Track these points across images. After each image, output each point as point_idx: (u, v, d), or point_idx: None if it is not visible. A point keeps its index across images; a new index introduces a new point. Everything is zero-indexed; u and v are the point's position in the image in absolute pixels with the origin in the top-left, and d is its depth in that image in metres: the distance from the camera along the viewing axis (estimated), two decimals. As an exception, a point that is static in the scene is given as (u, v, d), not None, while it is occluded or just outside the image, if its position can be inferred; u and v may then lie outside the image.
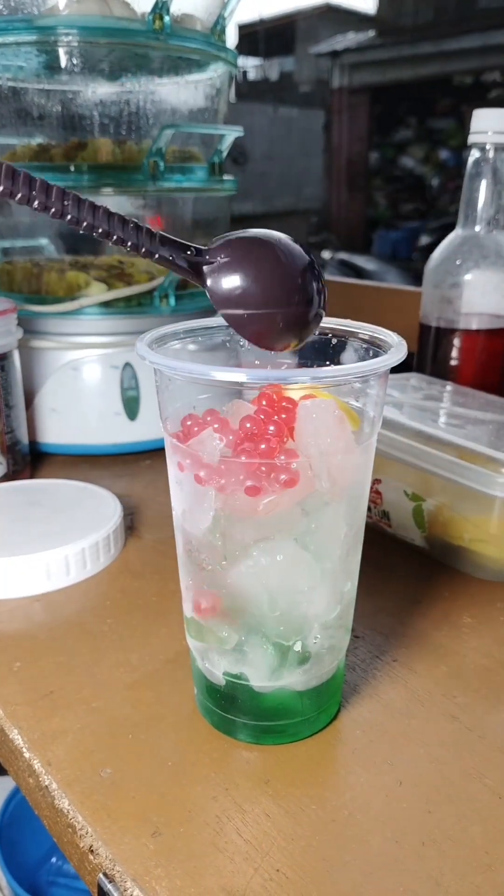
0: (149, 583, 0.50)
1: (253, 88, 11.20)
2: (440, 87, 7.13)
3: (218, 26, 0.70)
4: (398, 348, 0.31)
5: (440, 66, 6.99)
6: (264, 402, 0.31)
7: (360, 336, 0.35)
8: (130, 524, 0.58)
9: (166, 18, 0.62)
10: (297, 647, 0.33)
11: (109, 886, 0.30)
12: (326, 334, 0.36)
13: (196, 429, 0.31)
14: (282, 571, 0.31)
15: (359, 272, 3.58)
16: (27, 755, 0.36)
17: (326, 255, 3.92)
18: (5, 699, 0.39)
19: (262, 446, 0.29)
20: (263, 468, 0.29)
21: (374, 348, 0.35)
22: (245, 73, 11.39)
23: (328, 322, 0.36)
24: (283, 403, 0.30)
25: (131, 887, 0.29)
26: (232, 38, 0.75)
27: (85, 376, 0.70)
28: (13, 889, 0.65)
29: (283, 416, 0.30)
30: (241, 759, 0.35)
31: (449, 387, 0.64)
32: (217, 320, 0.36)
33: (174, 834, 0.31)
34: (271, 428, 0.30)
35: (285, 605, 0.32)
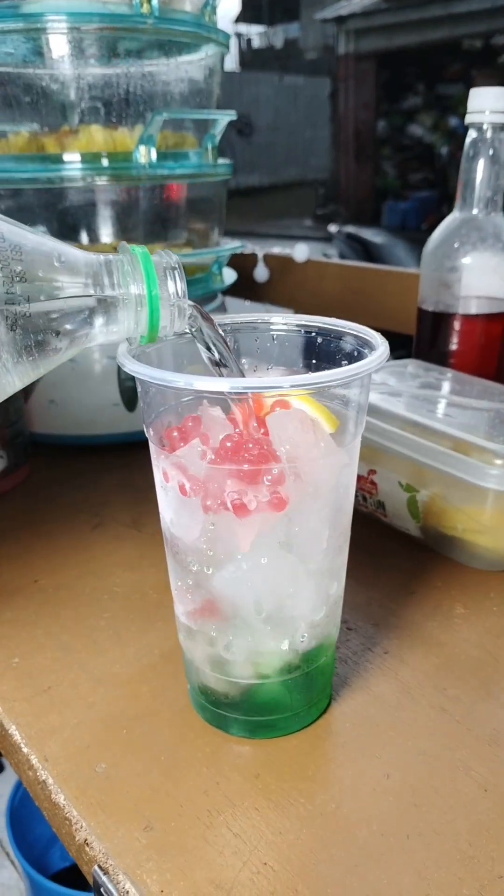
0: (146, 576, 0.51)
1: (257, 57, 11.02)
2: (449, 51, 6.99)
3: (208, 6, 0.68)
4: (380, 351, 0.31)
5: (449, 30, 6.84)
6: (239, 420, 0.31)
7: (346, 335, 0.35)
8: (128, 517, 0.58)
9: (154, 1, 0.62)
10: (285, 645, 0.34)
11: (104, 878, 0.31)
12: (311, 333, 0.36)
13: (182, 443, 0.31)
14: (266, 574, 0.32)
15: (366, 246, 3.53)
16: (25, 750, 0.37)
17: (332, 228, 3.87)
18: (4, 695, 0.40)
19: (245, 466, 0.29)
20: (250, 492, 0.30)
21: (358, 348, 0.35)
22: (249, 40, 11.21)
23: (314, 321, 0.36)
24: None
25: (123, 880, 0.30)
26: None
27: (83, 368, 0.70)
28: (24, 868, 0.67)
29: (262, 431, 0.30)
30: (233, 754, 0.36)
31: (446, 373, 0.64)
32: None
33: (165, 828, 0.32)
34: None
35: (271, 607, 0.33)
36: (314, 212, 8.56)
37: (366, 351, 0.34)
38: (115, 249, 0.78)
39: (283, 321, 0.37)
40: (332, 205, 8.46)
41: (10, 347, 0.27)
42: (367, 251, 3.54)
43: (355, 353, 0.35)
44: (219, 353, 0.33)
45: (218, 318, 0.37)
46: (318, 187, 9.14)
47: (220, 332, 0.33)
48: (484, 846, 0.31)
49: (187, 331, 0.32)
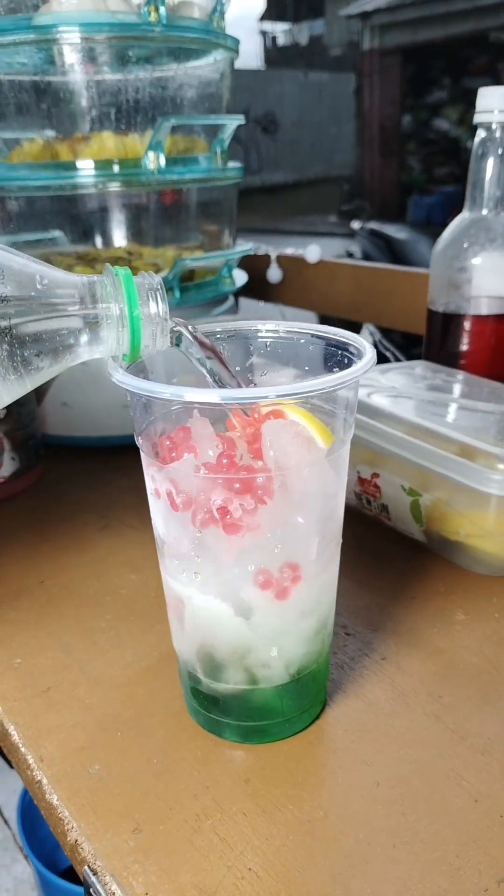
0: (150, 578, 0.51)
1: (282, 54, 10.99)
2: (475, 44, 6.91)
3: (216, 12, 0.69)
4: (366, 359, 0.31)
5: (475, 23, 6.77)
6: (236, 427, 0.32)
7: (335, 342, 0.35)
8: (136, 518, 0.59)
9: (162, 10, 0.62)
10: (274, 653, 0.34)
11: (93, 879, 0.32)
12: (301, 340, 0.36)
13: (174, 454, 0.31)
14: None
15: (389, 242, 3.50)
16: (23, 750, 0.37)
17: (356, 225, 3.84)
18: (5, 695, 0.41)
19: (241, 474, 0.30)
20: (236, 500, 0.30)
21: (348, 355, 0.35)
22: (274, 38, 11.18)
23: (304, 328, 0.36)
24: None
25: (110, 882, 0.31)
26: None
27: (95, 371, 0.71)
28: (34, 863, 0.68)
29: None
30: (224, 758, 0.36)
31: (455, 375, 0.64)
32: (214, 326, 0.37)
33: (154, 831, 0.32)
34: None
35: (259, 617, 0.33)
36: (339, 208, 8.53)
37: (354, 358, 0.34)
38: (127, 255, 0.79)
39: (275, 328, 0.37)
40: (357, 200, 8.41)
41: None
42: (391, 247, 3.51)
43: (345, 361, 0.35)
44: (208, 368, 0.33)
45: (206, 327, 0.37)
46: (342, 183, 9.10)
47: (210, 345, 0.33)
48: (471, 857, 0.31)
49: (176, 346, 0.33)
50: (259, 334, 0.38)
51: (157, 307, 0.31)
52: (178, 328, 0.33)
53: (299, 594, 0.33)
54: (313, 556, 0.33)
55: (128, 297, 0.30)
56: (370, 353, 0.32)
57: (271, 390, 0.29)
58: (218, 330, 0.38)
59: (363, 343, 0.34)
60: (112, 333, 0.31)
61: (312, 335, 0.37)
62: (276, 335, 0.37)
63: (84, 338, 0.30)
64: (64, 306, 0.30)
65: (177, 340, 0.33)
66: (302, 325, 0.37)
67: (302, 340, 0.37)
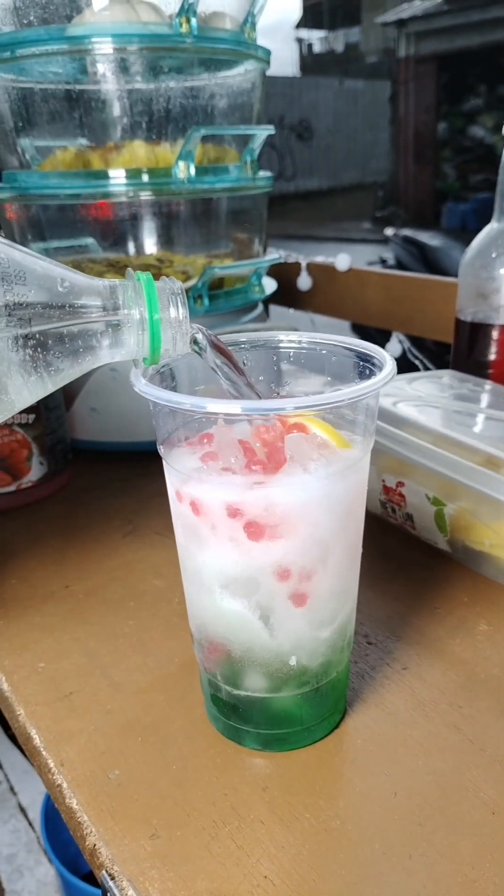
0: (174, 584, 0.52)
1: (317, 62, 11.02)
2: (512, 51, 6.85)
3: (247, 23, 0.69)
4: (385, 371, 0.31)
5: (511, 30, 6.71)
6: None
7: (358, 352, 0.36)
8: (161, 524, 0.60)
9: (193, 21, 0.63)
10: (293, 661, 0.34)
11: (111, 884, 0.32)
12: (323, 350, 0.36)
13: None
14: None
15: (422, 249, 3.48)
16: (44, 754, 0.38)
17: (389, 232, 3.83)
18: (27, 699, 0.41)
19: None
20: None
21: (369, 366, 0.35)
22: (310, 45, 11.21)
23: (326, 338, 0.36)
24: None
25: (127, 887, 0.31)
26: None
27: (123, 377, 0.72)
28: (56, 866, 0.69)
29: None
30: (243, 766, 0.36)
31: (483, 385, 0.63)
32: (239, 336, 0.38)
33: (171, 837, 0.33)
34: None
35: (278, 624, 0.33)
36: (373, 214, 8.51)
37: (376, 369, 0.34)
38: (158, 262, 0.79)
39: (294, 339, 0.38)
40: (391, 207, 8.39)
41: (18, 366, 0.29)
42: (424, 254, 3.50)
43: (367, 372, 0.35)
44: (224, 375, 0.33)
45: (230, 337, 0.38)
46: (377, 190, 9.08)
47: (228, 352, 0.34)
48: (487, 870, 0.31)
49: (195, 351, 0.33)
50: (282, 344, 0.38)
51: (177, 312, 0.31)
52: (196, 333, 0.33)
53: (318, 601, 0.33)
54: (333, 564, 0.33)
55: (148, 301, 0.31)
56: (390, 365, 0.32)
57: (290, 402, 0.29)
58: (243, 340, 0.38)
59: (384, 354, 0.34)
60: (132, 337, 0.31)
61: (335, 346, 0.37)
62: (299, 345, 0.38)
63: (105, 341, 0.31)
64: (85, 310, 0.30)
65: (196, 346, 0.33)
66: (324, 336, 0.37)
67: (324, 351, 0.37)
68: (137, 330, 0.31)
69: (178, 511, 0.34)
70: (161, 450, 0.34)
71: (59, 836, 0.74)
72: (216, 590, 0.33)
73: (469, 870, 0.31)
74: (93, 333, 0.31)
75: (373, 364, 0.35)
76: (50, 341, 0.29)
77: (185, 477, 0.32)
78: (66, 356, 0.30)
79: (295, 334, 0.38)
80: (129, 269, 0.33)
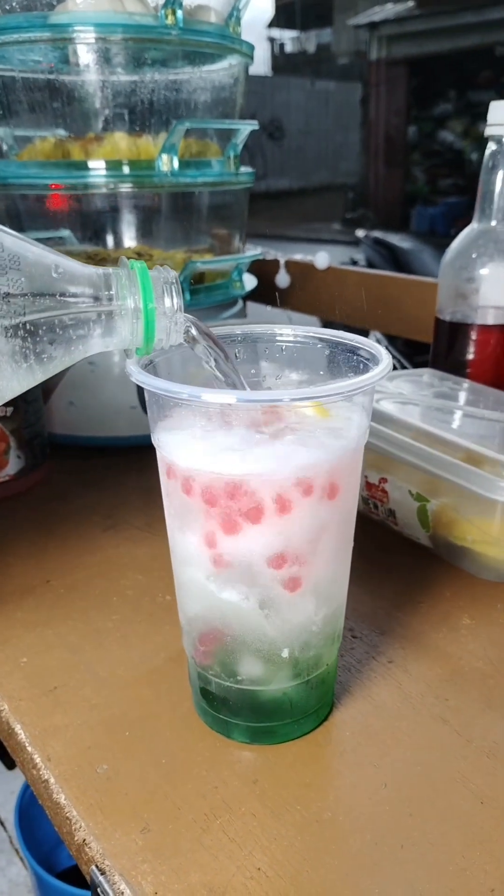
0: (156, 579, 0.51)
1: (289, 61, 11.05)
2: (481, 58, 6.95)
3: (232, 17, 0.69)
4: (383, 366, 0.31)
5: (481, 37, 6.81)
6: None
7: (350, 346, 0.36)
8: (142, 519, 0.59)
9: (179, 13, 0.62)
10: (285, 654, 0.34)
11: (100, 878, 0.32)
12: (318, 345, 0.37)
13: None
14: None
15: (393, 251, 3.51)
16: (29, 749, 0.37)
17: (360, 233, 3.86)
18: (11, 694, 0.41)
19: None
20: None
21: (362, 360, 0.35)
22: (282, 45, 11.24)
23: (322, 333, 0.36)
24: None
25: (119, 881, 0.31)
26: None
27: (102, 371, 0.71)
28: (31, 865, 0.68)
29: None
30: (233, 759, 0.36)
31: (462, 383, 0.64)
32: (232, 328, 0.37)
33: (162, 830, 0.32)
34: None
35: (272, 613, 0.33)
36: (343, 216, 8.56)
37: (371, 364, 0.34)
38: (137, 255, 0.79)
39: (292, 332, 0.38)
40: (361, 209, 8.45)
41: (8, 356, 0.28)
42: (394, 256, 3.52)
43: (360, 367, 0.35)
44: (215, 365, 0.33)
45: (229, 329, 0.38)
46: (347, 192, 9.14)
47: (219, 344, 0.34)
48: (477, 859, 0.31)
49: (184, 343, 0.33)
50: (276, 338, 0.38)
51: (171, 301, 0.31)
52: (190, 326, 0.33)
53: (309, 592, 0.33)
54: (325, 552, 0.33)
55: (143, 290, 0.31)
56: (387, 359, 0.32)
57: (288, 393, 0.29)
58: (237, 333, 0.38)
59: (378, 348, 0.34)
60: (126, 326, 0.31)
61: (328, 340, 0.37)
62: (294, 339, 0.38)
63: (98, 330, 0.30)
64: (78, 298, 0.30)
65: (188, 337, 0.33)
66: (318, 330, 0.37)
67: (319, 345, 0.37)
68: (132, 319, 0.31)
69: (171, 491, 0.34)
70: (154, 428, 0.34)
71: (33, 834, 0.73)
72: (209, 573, 0.33)
73: (460, 858, 0.31)
74: (86, 322, 0.30)
75: (363, 357, 0.35)
76: (42, 330, 0.29)
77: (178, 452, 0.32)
78: (57, 345, 0.30)
79: (289, 328, 0.38)
80: (123, 257, 0.32)
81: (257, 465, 0.30)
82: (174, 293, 0.31)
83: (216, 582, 0.33)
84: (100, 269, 0.31)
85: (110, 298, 0.31)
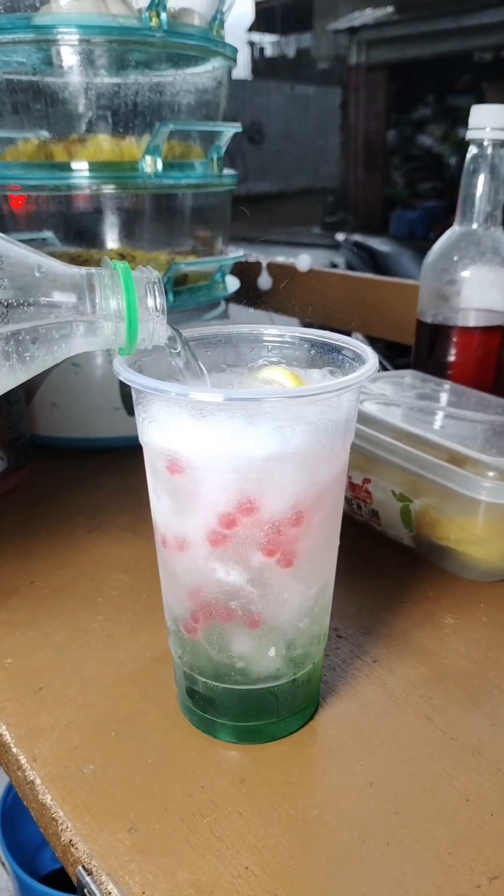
0: (141, 580, 0.51)
1: (269, 66, 11.08)
2: (460, 63, 7.02)
3: (216, 20, 0.69)
4: (369, 365, 0.32)
5: (460, 43, 6.89)
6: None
7: (333, 346, 0.36)
8: (126, 520, 0.59)
9: (163, 15, 0.62)
10: (271, 652, 0.34)
11: (87, 879, 0.31)
12: (304, 345, 0.37)
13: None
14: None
15: (372, 254, 3.53)
16: (14, 750, 0.37)
17: (340, 237, 3.88)
18: (-4, 695, 0.41)
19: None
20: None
21: (349, 360, 0.35)
22: (262, 49, 11.26)
23: (308, 333, 0.37)
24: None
25: (106, 881, 0.30)
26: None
27: (86, 372, 0.71)
28: (13, 869, 0.68)
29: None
30: (219, 758, 0.36)
31: (443, 385, 0.64)
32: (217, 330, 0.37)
33: (150, 830, 0.32)
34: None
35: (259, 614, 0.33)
36: (323, 220, 8.59)
37: (356, 363, 0.34)
38: (120, 257, 0.79)
39: (278, 332, 0.38)
40: (340, 213, 8.48)
41: None
42: (374, 260, 3.55)
43: (346, 366, 0.35)
44: (192, 374, 0.34)
45: (215, 330, 0.38)
46: (327, 195, 9.17)
47: (196, 355, 0.34)
48: (463, 855, 0.31)
49: (166, 343, 0.33)
50: (262, 338, 0.38)
51: (154, 301, 0.31)
52: (172, 333, 0.33)
53: (295, 586, 0.33)
54: (311, 544, 0.33)
55: (126, 290, 0.31)
56: (373, 357, 0.32)
57: (277, 392, 0.29)
58: (223, 333, 0.38)
59: (364, 347, 0.34)
60: (109, 326, 0.31)
61: (312, 340, 0.37)
62: (281, 339, 0.38)
63: (80, 329, 0.31)
64: (61, 297, 0.30)
65: (171, 343, 0.33)
66: (304, 330, 0.37)
67: (306, 345, 0.37)
68: (115, 319, 0.31)
69: (157, 487, 0.34)
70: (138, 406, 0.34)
71: (15, 838, 0.73)
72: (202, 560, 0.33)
73: (446, 855, 0.31)
74: (68, 322, 0.30)
75: (347, 357, 0.35)
76: (23, 329, 0.29)
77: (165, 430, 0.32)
78: (40, 344, 0.30)
79: (275, 328, 0.38)
80: (106, 257, 0.33)
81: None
82: (157, 293, 0.31)
83: (215, 562, 0.33)
84: (83, 270, 0.31)
85: (93, 299, 0.31)
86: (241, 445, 0.30)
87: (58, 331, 0.30)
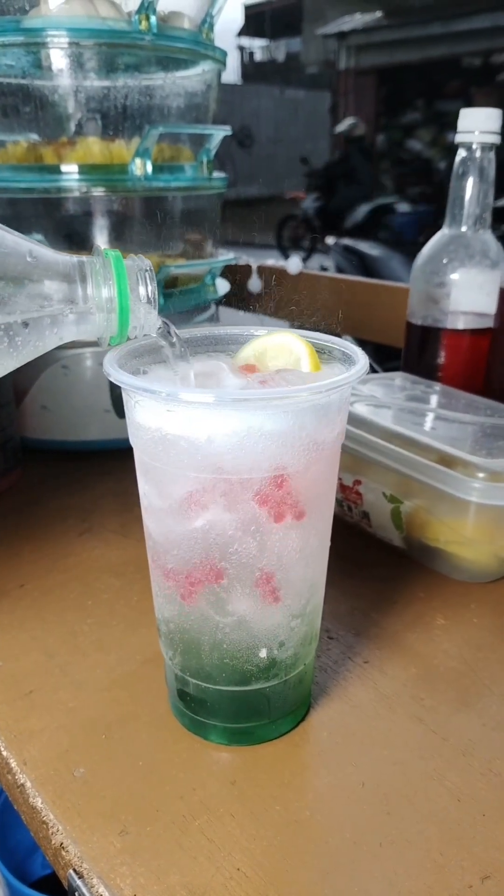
0: (131, 582, 0.51)
1: (259, 70, 11.12)
2: (448, 68, 7.07)
3: (206, 24, 0.70)
4: (360, 366, 0.32)
5: (448, 48, 6.93)
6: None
7: (330, 349, 0.36)
8: (116, 523, 0.59)
9: (152, 18, 0.63)
10: (262, 654, 0.34)
11: (78, 882, 0.31)
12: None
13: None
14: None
15: (362, 258, 3.55)
16: (4, 754, 0.37)
17: (330, 240, 3.89)
18: (-15, 699, 0.40)
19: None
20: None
21: (339, 363, 0.35)
22: (251, 54, 11.30)
23: (301, 334, 0.37)
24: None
25: (97, 884, 0.30)
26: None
27: (75, 374, 0.71)
28: (3, 874, 0.67)
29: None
30: (210, 760, 0.36)
31: (433, 387, 0.65)
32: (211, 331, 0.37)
33: (141, 833, 0.32)
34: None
35: (250, 616, 0.33)
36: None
37: (347, 365, 0.34)
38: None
39: (268, 333, 0.38)
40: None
41: None
42: (364, 263, 3.56)
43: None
44: (179, 360, 0.34)
45: (208, 330, 0.38)
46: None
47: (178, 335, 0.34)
48: (455, 855, 0.31)
49: (155, 333, 0.33)
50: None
51: (146, 290, 0.31)
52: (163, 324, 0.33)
53: (287, 592, 0.33)
54: (297, 554, 0.33)
55: (117, 278, 0.31)
56: (363, 359, 0.32)
57: (268, 392, 0.29)
58: (215, 334, 0.38)
59: (354, 348, 0.35)
60: (100, 314, 0.31)
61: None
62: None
63: (71, 317, 0.30)
64: (53, 285, 0.30)
65: (162, 332, 0.33)
66: (297, 333, 0.37)
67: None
68: (106, 307, 0.31)
69: (146, 474, 0.34)
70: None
71: (5, 843, 0.72)
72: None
73: (438, 855, 0.31)
74: (59, 310, 0.30)
75: (333, 355, 0.35)
76: (14, 316, 0.29)
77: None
78: (30, 332, 0.30)
79: (265, 329, 0.38)
80: (97, 245, 0.33)
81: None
82: (148, 281, 0.31)
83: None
84: (74, 258, 0.31)
85: (85, 286, 0.31)
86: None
87: (49, 319, 0.30)
